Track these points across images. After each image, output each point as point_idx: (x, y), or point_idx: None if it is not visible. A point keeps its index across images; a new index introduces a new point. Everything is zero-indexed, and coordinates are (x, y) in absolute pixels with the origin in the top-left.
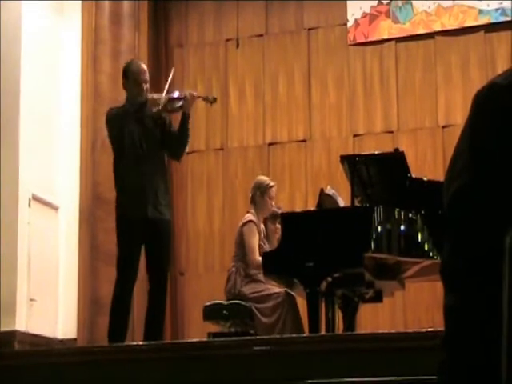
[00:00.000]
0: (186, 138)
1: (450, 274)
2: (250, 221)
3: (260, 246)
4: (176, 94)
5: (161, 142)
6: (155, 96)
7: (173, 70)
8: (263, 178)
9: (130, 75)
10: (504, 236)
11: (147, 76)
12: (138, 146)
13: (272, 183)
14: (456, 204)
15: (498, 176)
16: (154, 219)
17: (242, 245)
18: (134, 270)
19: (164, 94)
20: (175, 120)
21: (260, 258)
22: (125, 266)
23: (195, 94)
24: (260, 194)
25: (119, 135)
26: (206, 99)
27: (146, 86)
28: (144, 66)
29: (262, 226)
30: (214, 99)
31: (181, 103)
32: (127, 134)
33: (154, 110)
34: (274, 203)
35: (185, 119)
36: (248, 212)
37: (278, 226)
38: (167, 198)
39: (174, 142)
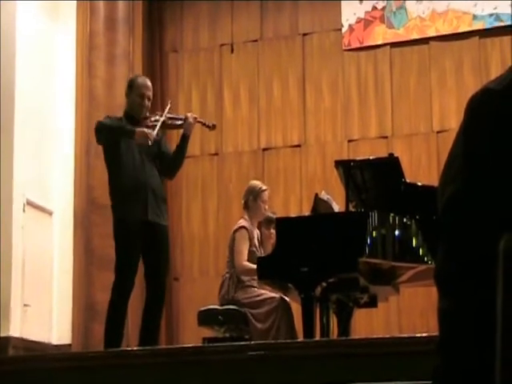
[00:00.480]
0: (183, 158)
1: (444, 279)
2: (243, 227)
3: (253, 251)
4: (178, 116)
5: (156, 158)
6: (154, 116)
7: (169, 103)
8: (255, 183)
9: (135, 87)
10: (498, 241)
11: (151, 93)
12: (136, 152)
13: (264, 187)
14: (450, 209)
15: (492, 181)
16: (154, 223)
17: (233, 250)
18: (132, 276)
19: (160, 121)
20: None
21: (245, 262)
22: (123, 271)
23: (197, 117)
24: (253, 198)
25: (114, 145)
26: (205, 124)
27: (148, 103)
28: (149, 83)
29: (257, 231)
30: (214, 126)
31: (180, 122)
32: (123, 142)
33: (149, 125)
34: (267, 207)
35: (184, 140)
36: (242, 218)
37: (273, 231)
38: (165, 205)
39: (170, 161)
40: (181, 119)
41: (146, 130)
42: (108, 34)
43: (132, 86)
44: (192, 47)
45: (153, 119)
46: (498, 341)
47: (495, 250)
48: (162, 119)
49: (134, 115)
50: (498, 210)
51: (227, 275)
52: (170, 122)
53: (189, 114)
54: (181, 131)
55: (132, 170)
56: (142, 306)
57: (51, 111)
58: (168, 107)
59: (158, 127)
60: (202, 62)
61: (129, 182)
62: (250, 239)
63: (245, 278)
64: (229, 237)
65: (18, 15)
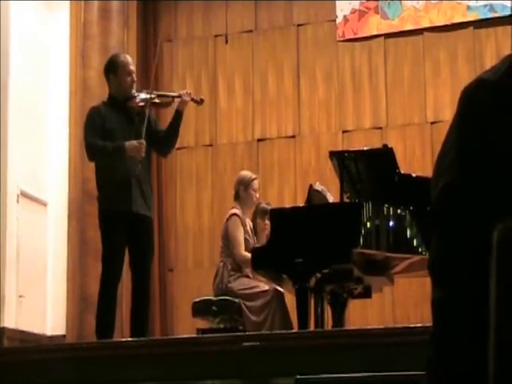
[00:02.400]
0: (177, 135)
1: (437, 269)
2: (234, 214)
3: (246, 239)
4: (168, 93)
5: (146, 139)
6: (141, 94)
7: (156, 61)
8: (245, 173)
9: (117, 68)
10: (491, 231)
11: (134, 67)
12: (123, 140)
13: (254, 176)
14: (443, 200)
15: (485, 172)
16: (140, 214)
17: (227, 239)
18: (119, 266)
19: (146, 91)
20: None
21: (245, 252)
22: (111, 261)
23: (190, 93)
24: (244, 188)
25: (102, 130)
26: (194, 100)
27: (133, 79)
28: (130, 58)
29: (248, 220)
30: (202, 100)
31: (168, 99)
32: (112, 131)
33: (141, 103)
34: (258, 195)
35: (178, 117)
36: (233, 207)
37: (268, 222)
38: (151, 195)
39: (163, 138)
40: (170, 97)
41: (135, 142)
42: (102, 23)
43: (116, 66)
44: (186, 37)
45: (139, 99)
46: (491, 331)
47: (489, 240)
48: (155, 60)
49: (120, 97)
50: (492, 201)
51: (221, 264)
52: (157, 100)
53: (183, 91)
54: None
55: (118, 160)
56: None
57: (45, 102)
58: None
59: (147, 112)
60: (196, 52)
61: (114, 173)
62: (243, 226)
63: (238, 266)
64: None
65: (11, 5)
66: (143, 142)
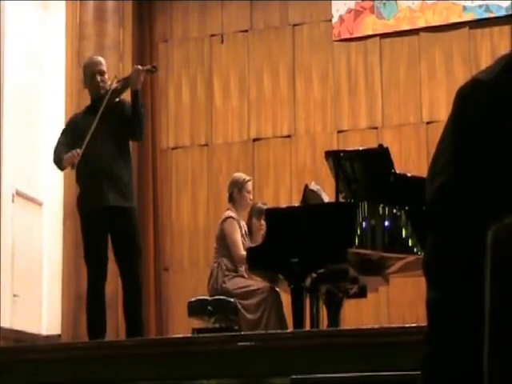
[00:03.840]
0: (140, 115)
1: (432, 269)
2: (230, 217)
3: (241, 242)
4: (126, 76)
5: (118, 128)
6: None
7: (114, 80)
8: (238, 174)
9: (85, 71)
10: (486, 231)
11: (102, 66)
12: (99, 135)
13: (247, 178)
14: (438, 200)
15: (480, 172)
16: (113, 207)
17: (223, 240)
18: (102, 265)
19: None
20: None
21: (244, 253)
22: (92, 261)
23: (140, 67)
24: (238, 190)
25: (72, 134)
26: (148, 70)
27: (102, 77)
28: (98, 58)
29: (243, 222)
30: (155, 67)
31: (127, 81)
32: (83, 129)
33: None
34: (251, 197)
35: (135, 96)
36: (228, 209)
37: (263, 222)
38: (130, 186)
39: (131, 123)
40: (125, 78)
41: (69, 156)
42: (98, 24)
43: (84, 70)
44: (182, 37)
45: (105, 92)
46: (486, 331)
47: (483, 240)
48: (110, 90)
49: (95, 98)
50: (486, 201)
51: (215, 264)
52: (120, 86)
53: (132, 69)
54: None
55: (90, 158)
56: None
57: (41, 102)
58: (114, 78)
59: (105, 102)
60: (191, 52)
61: (84, 171)
62: (240, 228)
63: (233, 267)
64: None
65: (7, 5)
66: (77, 151)
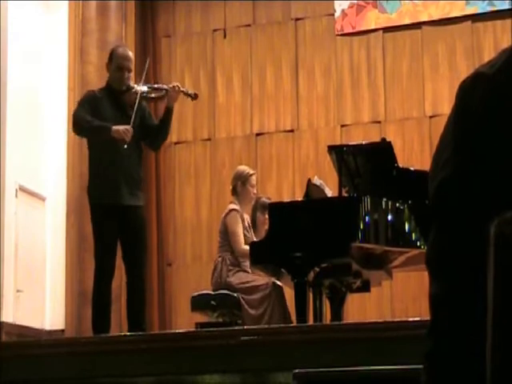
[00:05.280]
0: (167, 130)
1: (434, 264)
2: (233, 209)
3: (244, 235)
4: (161, 86)
5: (139, 131)
6: (135, 85)
7: (148, 60)
8: (242, 168)
9: (114, 59)
10: (488, 225)
11: (131, 64)
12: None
13: (252, 171)
14: (440, 195)
15: (482, 166)
16: (128, 206)
17: (226, 234)
18: (111, 260)
19: (142, 83)
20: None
21: (246, 247)
22: (102, 256)
23: (180, 87)
24: (241, 183)
25: (93, 112)
26: (187, 94)
27: (129, 75)
28: (130, 54)
29: (246, 215)
30: (196, 95)
31: (162, 93)
32: (104, 118)
33: (134, 96)
34: (255, 191)
35: (168, 112)
36: (231, 202)
37: (268, 216)
38: (140, 185)
39: (155, 133)
40: (160, 89)
41: (122, 127)
42: (100, 19)
43: (111, 57)
44: (185, 32)
45: (133, 92)
46: (488, 325)
47: (485, 235)
48: (143, 76)
49: (114, 86)
50: (489, 195)
51: (219, 259)
52: (150, 95)
53: (171, 85)
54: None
55: (108, 153)
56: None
57: (44, 97)
58: (147, 63)
59: (136, 106)
60: (194, 47)
61: (102, 166)
62: (242, 221)
63: (237, 261)
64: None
65: (9, 1)
66: (130, 128)
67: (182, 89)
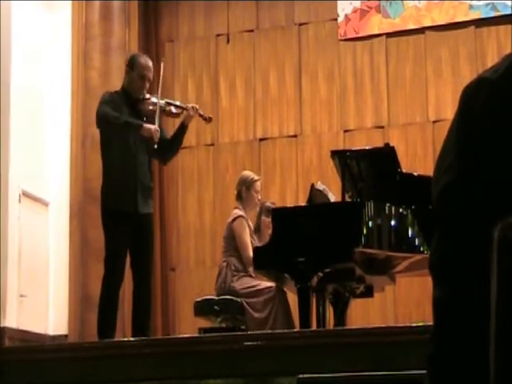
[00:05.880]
0: (179, 146)
1: (438, 269)
2: (240, 216)
3: (250, 241)
4: (177, 103)
5: (150, 143)
6: (153, 98)
7: (162, 63)
8: (247, 173)
9: (136, 67)
10: (492, 230)
11: (151, 74)
12: (132, 138)
13: (256, 177)
14: (443, 200)
15: (485, 171)
16: (142, 214)
17: (231, 240)
18: (121, 266)
19: (160, 97)
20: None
21: None
22: (114, 261)
23: (198, 109)
24: (246, 189)
25: (114, 135)
26: (202, 116)
27: (148, 85)
28: (151, 64)
29: (250, 221)
30: (210, 118)
31: (179, 111)
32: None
33: (151, 107)
34: (260, 197)
35: (182, 130)
36: (236, 208)
37: None
38: (151, 192)
39: (165, 147)
40: (179, 107)
41: (152, 127)
42: (104, 24)
43: (133, 64)
44: (188, 37)
45: (150, 102)
46: (492, 330)
47: (489, 239)
48: (160, 81)
49: (132, 94)
50: (492, 200)
51: (224, 264)
52: (167, 108)
53: (190, 105)
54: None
55: (124, 159)
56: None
57: (47, 102)
58: (162, 67)
59: (157, 118)
60: (197, 52)
61: (120, 172)
62: (248, 228)
63: (242, 267)
64: (224, 226)
65: (13, 5)
66: (158, 128)
67: (199, 111)
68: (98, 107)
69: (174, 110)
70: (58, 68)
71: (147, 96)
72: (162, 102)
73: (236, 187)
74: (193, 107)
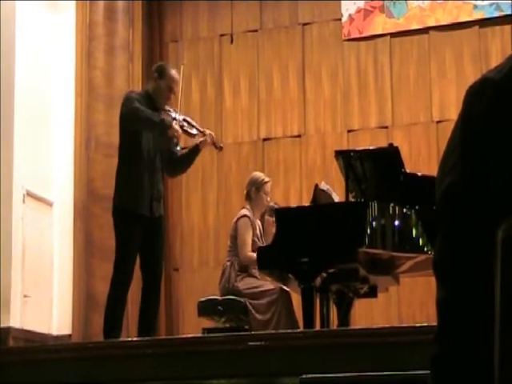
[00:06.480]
0: (189, 166)
1: (441, 269)
2: (245, 215)
3: (254, 241)
4: (194, 124)
5: (166, 154)
6: (172, 112)
7: (182, 66)
8: (258, 174)
9: (165, 77)
10: (496, 230)
11: (178, 88)
12: (151, 143)
13: (267, 179)
14: (447, 200)
15: (489, 171)
16: (156, 216)
17: (236, 239)
18: (131, 269)
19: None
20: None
21: (251, 254)
22: (126, 263)
23: (214, 137)
24: (255, 189)
25: (139, 134)
26: (216, 145)
27: (172, 96)
28: (178, 77)
29: (258, 222)
30: (221, 148)
31: (194, 132)
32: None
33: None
34: (269, 198)
35: (196, 152)
36: (244, 207)
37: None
38: (162, 195)
39: (175, 162)
40: (196, 129)
41: (179, 130)
42: (108, 24)
43: (163, 74)
44: (192, 37)
45: (170, 116)
46: (496, 330)
47: (493, 239)
48: (180, 86)
49: (156, 101)
50: (496, 200)
51: (228, 263)
52: (190, 130)
53: (208, 132)
54: None
55: (145, 162)
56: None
57: (51, 102)
58: (181, 70)
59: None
60: (201, 52)
61: (137, 176)
62: (253, 229)
63: (246, 267)
64: (229, 227)
65: (17, 5)
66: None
67: (214, 140)
68: (127, 104)
69: (190, 130)
70: (62, 68)
71: (167, 108)
72: (181, 118)
73: (246, 187)
74: (210, 134)
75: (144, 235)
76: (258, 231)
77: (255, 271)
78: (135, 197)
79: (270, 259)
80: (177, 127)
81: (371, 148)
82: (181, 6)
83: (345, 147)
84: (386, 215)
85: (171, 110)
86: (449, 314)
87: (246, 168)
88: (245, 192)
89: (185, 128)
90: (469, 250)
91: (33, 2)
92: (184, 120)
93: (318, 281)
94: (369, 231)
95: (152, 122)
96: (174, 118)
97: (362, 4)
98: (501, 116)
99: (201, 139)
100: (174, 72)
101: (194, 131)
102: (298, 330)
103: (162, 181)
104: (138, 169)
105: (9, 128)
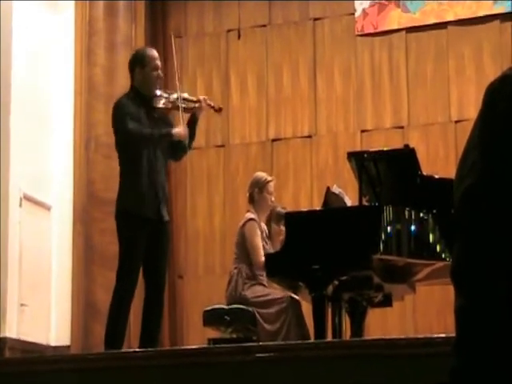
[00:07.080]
0: (192, 141)
1: (460, 276)
2: (251, 219)
3: (262, 245)
4: (192, 98)
5: (165, 143)
6: (166, 93)
7: (172, 36)
8: (260, 174)
9: (148, 62)
10: None
11: (160, 63)
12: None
13: (270, 178)
14: (466, 203)
15: (509, 171)
16: (163, 220)
17: (243, 245)
18: (135, 279)
19: (177, 92)
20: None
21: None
22: (129, 270)
23: (207, 100)
24: (259, 190)
25: (135, 117)
26: (212, 107)
27: (159, 74)
28: (157, 53)
29: (264, 225)
30: (220, 109)
31: (196, 105)
32: (139, 119)
33: (162, 104)
34: (273, 198)
35: (195, 123)
36: (248, 211)
37: (283, 227)
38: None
39: (178, 144)
40: (194, 102)
41: (182, 131)
42: (108, 19)
43: (143, 59)
44: (197, 33)
45: (165, 100)
46: None
47: None
48: (175, 61)
49: (145, 92)
50: None
51: (235, 271)
52: (188, 105)
53: (201, 97)
54: None
55: (147, 166)
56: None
57: (49, 101)
58: (172, 40)
59: (181, 116)
60: (207, 48)
61: (142, 179)
62: (261, 232)
63: (254, 274)
64: (236, 231)
65: (15, 4)
66: (187, 129)
67: (209, 102)
68: (120, 121)
69: (191, 105)
70: (61, 66)
71: (158, 93)
72: (174, 96)
73: (248, 189)
74: (204, 99)
75: (149, 240)
76: (264, 234)
77: (263, 279)
78: (140, 199)
79: (279, 266)
80: (177, 130)
81: (386, 149)
82: (185, 0)
83: (358, 148)
84: (401, 220)
85: (162, 93)
86: (468, 323)
87: (253, 170)
88: (247, 194)
89: (189, 107)
90: (489, 253)
91: (33, 2)
92: (183, 99)
93: (330, 289)
94: (383, 237)
95: (153, 139)
96: (167, 99)
97: None
98: None
99: (195, 105)
100: (150, 51)
101: (193, 104)
102: (309, 341)
103: (166, 183)
104: (141, 170)
105: (5, 129)
